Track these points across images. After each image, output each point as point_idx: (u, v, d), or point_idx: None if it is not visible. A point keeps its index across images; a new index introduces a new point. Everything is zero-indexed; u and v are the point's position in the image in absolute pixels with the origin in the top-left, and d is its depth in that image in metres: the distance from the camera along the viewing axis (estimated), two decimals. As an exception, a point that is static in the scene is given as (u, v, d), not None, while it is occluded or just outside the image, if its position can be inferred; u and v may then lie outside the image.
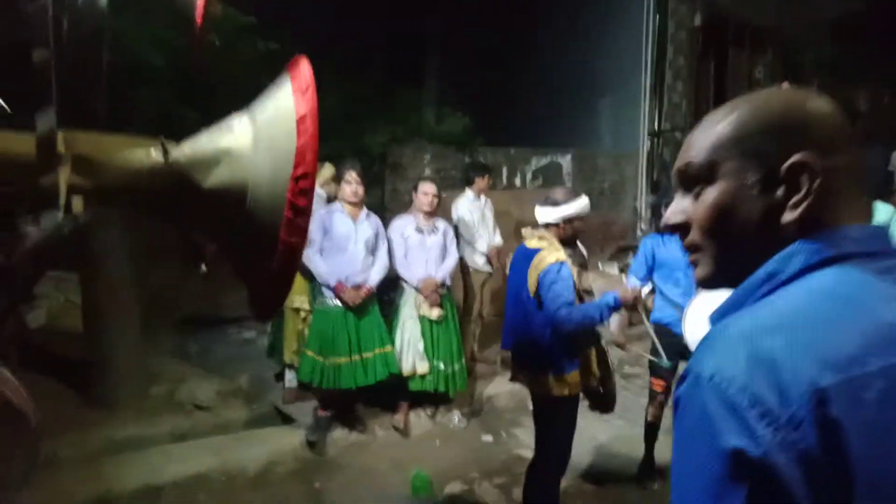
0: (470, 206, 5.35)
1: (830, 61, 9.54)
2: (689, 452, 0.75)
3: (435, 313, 4.39)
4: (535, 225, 3.00)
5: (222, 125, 1.50)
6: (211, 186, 1.41)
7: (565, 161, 7.82)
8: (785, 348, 0.69)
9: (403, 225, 4.49)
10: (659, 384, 3.80)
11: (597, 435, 4.27)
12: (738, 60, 8.96)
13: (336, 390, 4.11)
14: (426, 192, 4.45)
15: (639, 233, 8.07)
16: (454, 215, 5.29)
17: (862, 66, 9.93)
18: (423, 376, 4.38)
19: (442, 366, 4.43)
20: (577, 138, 8.43)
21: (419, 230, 4.46)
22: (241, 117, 1.50)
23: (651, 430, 3.86)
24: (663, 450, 3.95)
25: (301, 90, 1.43)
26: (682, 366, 3.80)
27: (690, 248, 0.89)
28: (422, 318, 4.40)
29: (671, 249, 3.73)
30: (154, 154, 1.40)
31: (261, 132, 1.44)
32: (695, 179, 0.87)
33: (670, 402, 3.98)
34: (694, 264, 0.90)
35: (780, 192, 0.80)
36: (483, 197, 5.44)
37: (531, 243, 2.95)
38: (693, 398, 0.76)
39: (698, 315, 3.52)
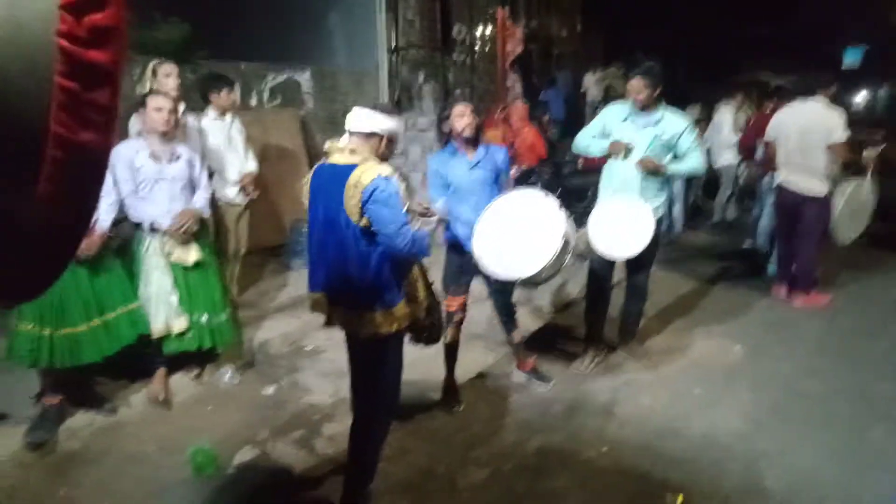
0: (213, 127, 4.46)
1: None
2: None
3: (192, 257, 3.58)
4: (352, 134, 2.45)
5: None
6: None
7: (303, 78, 7.11)
8: None
9: (132, 152, 3.48)
10: (455, 302, 3.64)
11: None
12: (462, -20, 9.02)
13: (70, 367, 3.14)
14: (159, 107, 3.47)
15: (385, 155, 7.82)
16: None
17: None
18: (180, 334, 3.60)
19: (205, 318, 3.69)
20: (313, 54, 7.74)
21: (154, 157, 3.51)
22: None
23: (450, 351, 3.71)
24: (461, 370, 3.85)
25: None
26: (474, 283, 3.69)
27: None
28: (173, 266, 3.57)
29: (456, 166, 3.51)
30: None
31: None
32: None
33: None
34: None
35: None
36: (229, 116, 4.57)
37: (339, 159, 2.40)
38: None
39: (488, 232, 3.38)
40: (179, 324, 3.57)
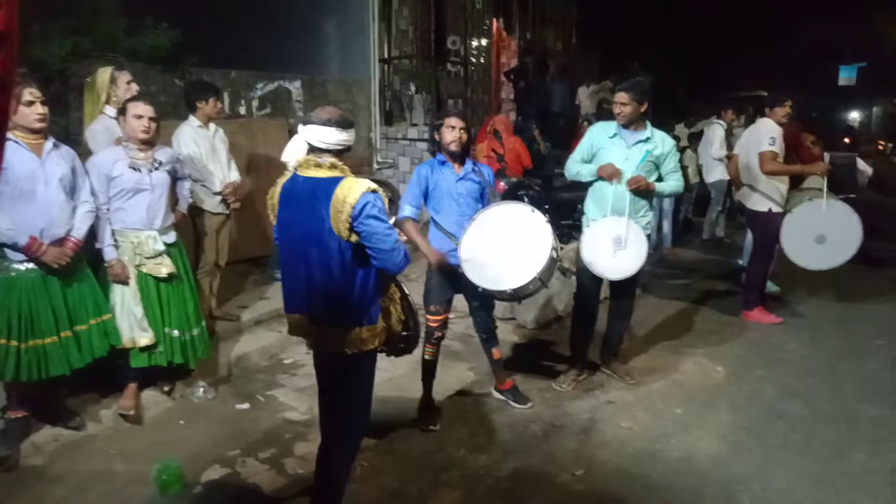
0: (196, 136, 4.40)
1: (536, 3, 10.23)
2: None
3: (164, 269, 3.52)
4: (324, 152, 2.36)
5: None
6: None
7: (294, 87, 7.09)
8: None
9: (109, 162, 3.40)
10: (435, 320, 3.59)
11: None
12: (456, -9, 9.05)
13: (37, 381, 3.08)
14: (139, 114, 3.41)
15: (375, 165, 7.79)
16: (176, 149, 4.32)
17: (558, 8, 10.92)
18: (149, 348, 3.51)
19: (176, 333, 3.62)
20: (304, 63, 7.71)
21: (134, 167, 3.44)
22: None
23: (428, 369, 3.66)
24: (439, 389, 3.80)
25: None
26: (457, 297, 3.64)
27: None
28: (145, 278, 3.50)
29: (445, 176, 3.48)
30: None
31: None
32: None
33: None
34: None
35: None
36: (213, 126, 4.53)
37: (319, 172, 2.32)
38: None
39: (474, 244, 3.35)
40: (144, 337, 3.48)
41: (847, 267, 4.88)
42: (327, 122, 2.33)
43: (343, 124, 2.36)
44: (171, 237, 3.65)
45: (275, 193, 2.46)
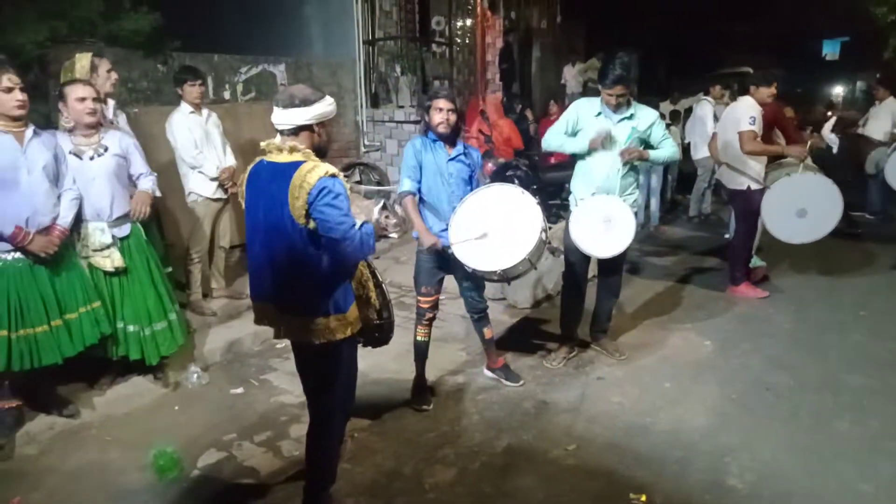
0: (188, 122, 4.40)
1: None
2: None
3: (111, 263, 3.42)
4: (283, 134, 2.32)
5: None
6: None
7: (279, 70, 7.01)
8: None
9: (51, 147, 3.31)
10: (426, 301, 3.61)
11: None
12: (441, -30, 8.94)
13: (29, 370, 3.08)
14: (81, 96, 3.27)
15: (362, 148, 7.75)
16: (170, 137, 4.34)
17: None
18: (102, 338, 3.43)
19: (131, 328, 3.54)
20: (287, 46, 7.64)
21: (76, 154, 3.33)
22: None
23: (420, 350, 3.69)
24: (431, 369, 3.83)
25: None
26: (447, 278, 3.66)
27: None
28: (94, 270, 3.42)
29: (437, 154, 3.49)
30: None
31: None
32: None
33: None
34: None
35: None
36: (205, 111, 4.54)
37: (280, 157, 2.28)
38: None
39: (464, 225, 3.36)
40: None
41: (829, 240, 4.94)
42: (276, 103, 2.28)
43: (285, 102, 2.26)
44: (125, 230, 3.50)
45: (244, 179, 2.44)
